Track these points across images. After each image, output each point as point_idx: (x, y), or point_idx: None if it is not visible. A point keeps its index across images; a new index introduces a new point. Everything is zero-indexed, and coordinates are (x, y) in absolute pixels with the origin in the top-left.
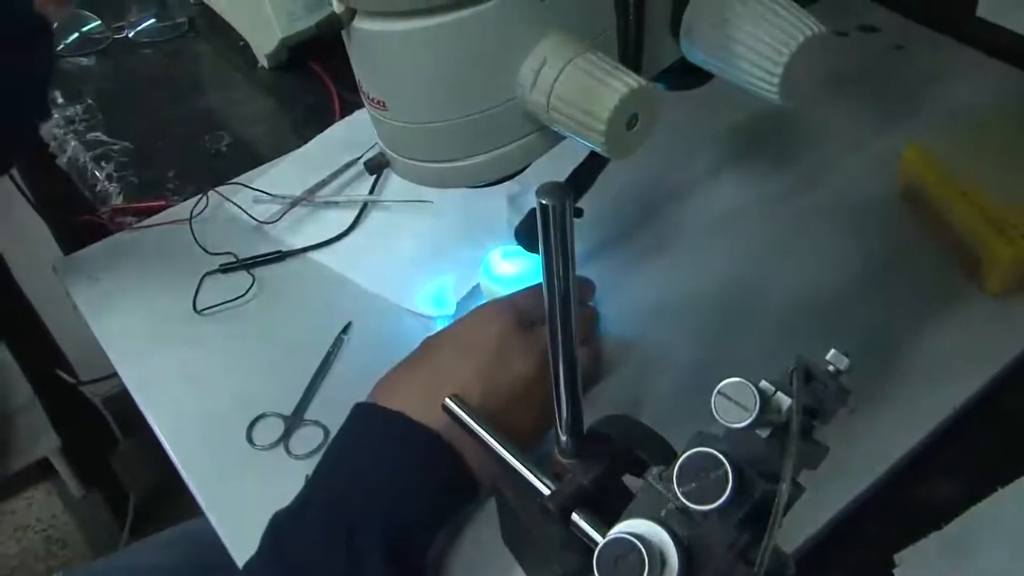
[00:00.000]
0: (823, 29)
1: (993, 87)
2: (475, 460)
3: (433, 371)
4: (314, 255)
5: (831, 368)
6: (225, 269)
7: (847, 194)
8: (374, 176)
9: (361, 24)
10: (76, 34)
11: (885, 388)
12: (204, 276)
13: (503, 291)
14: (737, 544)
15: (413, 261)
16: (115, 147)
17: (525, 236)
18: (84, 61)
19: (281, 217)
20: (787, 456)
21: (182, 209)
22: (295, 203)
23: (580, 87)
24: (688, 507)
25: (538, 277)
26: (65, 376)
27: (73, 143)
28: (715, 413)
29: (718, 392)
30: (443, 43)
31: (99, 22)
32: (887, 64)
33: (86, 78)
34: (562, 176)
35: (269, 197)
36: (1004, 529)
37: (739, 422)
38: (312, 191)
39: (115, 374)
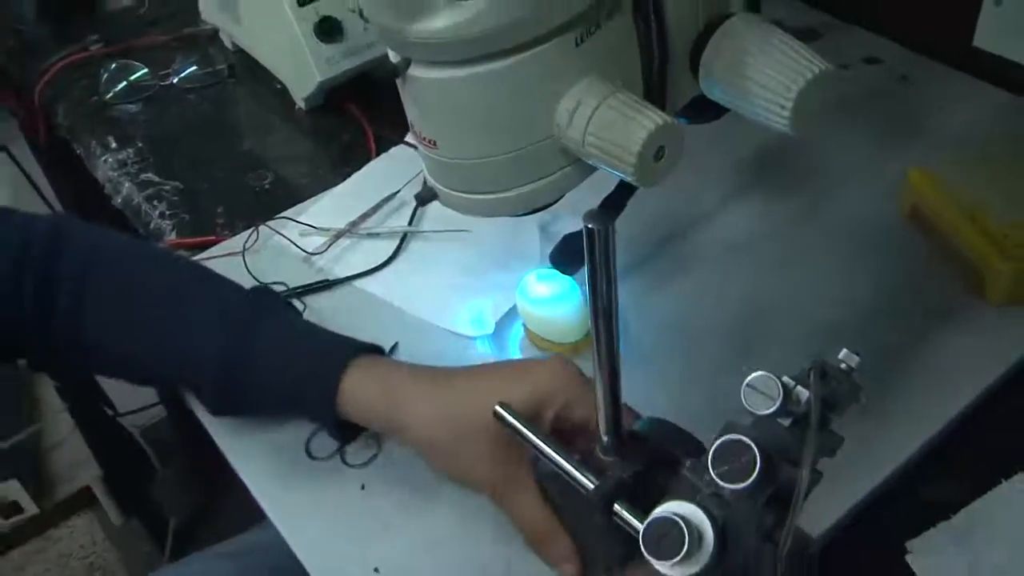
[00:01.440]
0: (829, 66)
1: (991, 113)
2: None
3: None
4: (359, 283)
5: (844, 366)
6: None
7: (855, 216)
8: (413, 208)
9: (415, 72)
10: (124, 83)
11: (897, 392)
12: None
13: (538, 311)
14: (764, 523)
15: (452, 286)
16: (166, 187)
17: (560, 260)
18: (132, 108)
19: (327, 248)
20: (808, 442)
21: (234, 243)
22: (340, 235)
23: (612, 124)
24: (721, 488)
25: (570, 298)
26: (105, 409)
27: (127, 184)
28: (744, 402)
29: (746, 384)
30: (489, 88)
31: (146, 70)
32: (891, 93)
33: (135, 123)
34: (588, 206)
35: (315, 230)
36: (1007, 517)
37: (765, 410)
38: (355, 223)
39: (151, 405)
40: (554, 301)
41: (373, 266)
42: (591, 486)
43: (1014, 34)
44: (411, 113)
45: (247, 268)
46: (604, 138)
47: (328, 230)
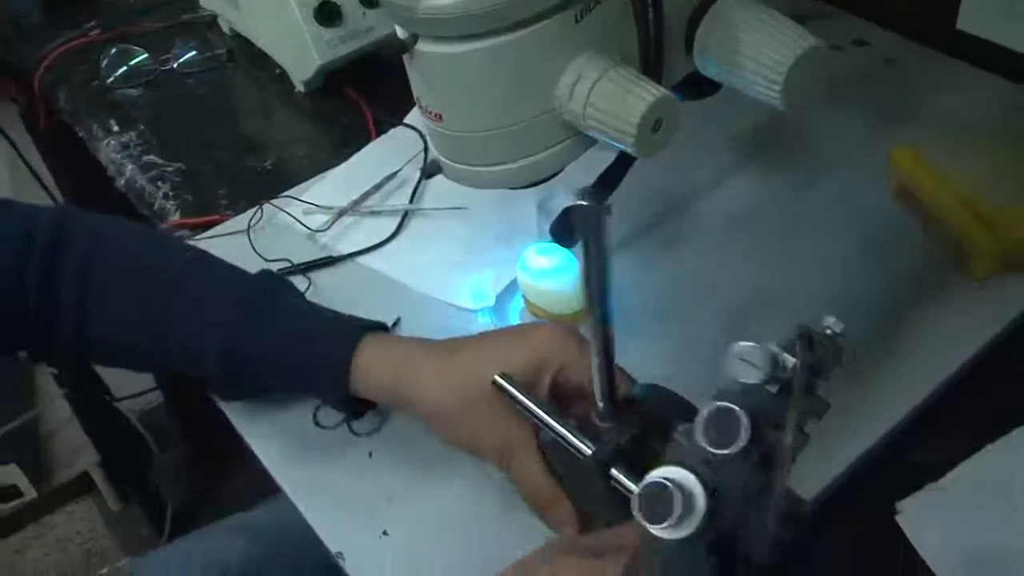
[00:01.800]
0: (819, 42)
1: (975, 94)
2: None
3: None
4: (362, 259)
5: (829, 331)
6: (282, 273)
7: (845, 193)
8: (414, 187)
9: (422, 47)
10: (125, 67)
11: (885, 362)
12: None
13: (538, 283)
14: (753, 486)
15: (453, 261)
16: (169, 168)
17: (559, 233)
18: (133, 92)
19: (330, 226)
20: (793, 405)
21: (238, 221)
22: (342, 213)
23: (612, 97)
24: (711, 454)
25: (569, 270)
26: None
27: (130, 166)
28: (732, 372)
29: (733, 355)
30: (492, 62)
31: (146, 55)
32: (879, 75)
33: (137, 107)
34: (584, 182)
35: (318, 208)
36: (992, 478)
37: (752, 379)
38: (357, 202)
39: (148, 390)
40: (553, 273)
41: (375, 243)
42: (588, 452)
43: (995, 18)
44: (418, 88)
45: (252, 246)
46: (604, 110)
47: (331, 208)
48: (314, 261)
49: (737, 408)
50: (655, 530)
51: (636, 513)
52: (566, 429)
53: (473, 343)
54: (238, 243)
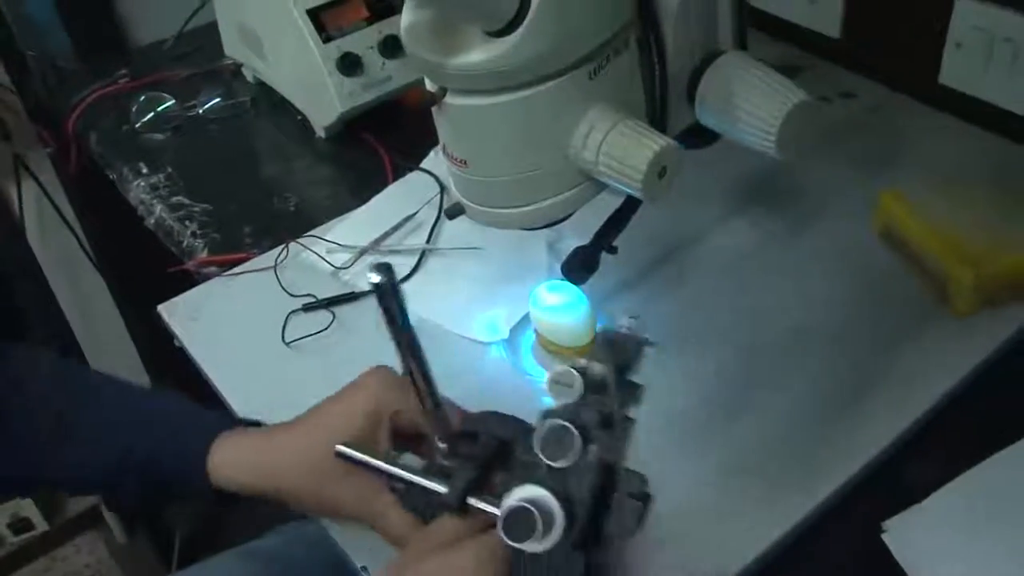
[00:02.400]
0: (808, 97)
1: (957, 143)
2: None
3: None
4: None
5: (626, 329)
6: (307, 308)
7: (834, 234)
8: (431, 227)
9: (451, 99)
10: (153, 113)
11: (869, 393)
12: (289, 314)
13: (549, 318)
14: (598, 482)
15: (468, 297)
16: (196, 208)
17: (570, 271)
18: (160, 136)
19: (352, 264)
20: (610, 393)
21: (265, 259)
22: (364, 252)
23: (622, 146)
24: (552, 465)
25: (578, 306)
26: None
27: (159, 207)
28: (552, 396)
29: (550, 380)
30: (515, 114)
31: (173, 101)
32: (865, 125)
33: (164, 151)
34: (591, 225)
35: (340, 247)
36: (975, 499)
37: (570, 398)
38: (377, 241)
39: None
40: (563, 309)
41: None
42: (444, 491)
43: (974, 75)
44: (444, 135)
45: (279, 281)
46: (615, 158)
47: (353, 247)
48: (337, 296)
49: (566, 423)
50: (528, 548)
51: (505, 539)
52: (416, 476)
53: (312, 418)
54: (265, 279)
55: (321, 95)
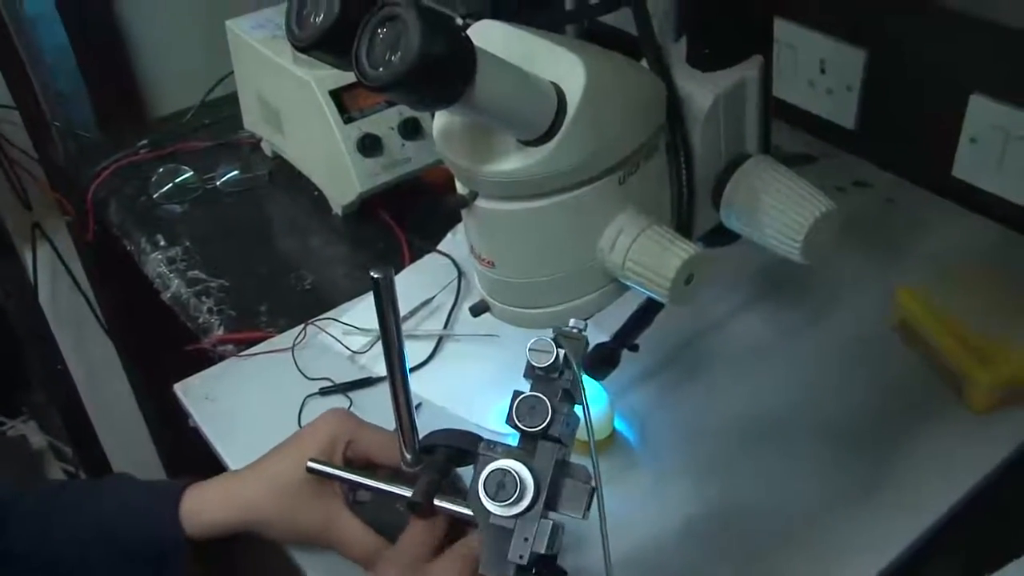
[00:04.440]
0: (833, 206)
1: (969, 235)
2: None
3: None
4: None
5: (576, 331)
6: (324, 392)
7: (850, 327)
8: (447, 313)
9: (481, 203)
10: (171, 184)
11: (887, 490)
12: (306, 398)
13: None
14: (561, 453)
15: (484, 385)
16: (212, 284)
17: (590, 366)
18: (178, 208)
19: (370, 348)
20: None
21: (282, 340)
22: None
23: (650, 253)
24: (527, 431)
25: (597, 401)
26: None
27: (176, 280)
28: (532, 360)
29: (530, 348)
30: (545, 219)
31: (191, 173)
32: (880, 215)
33: (182, 223)
34: (610, 320)
35: (357, 330)
36: None
37: (545, 362)
38: None
39: None
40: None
41: (412, 366)
42: (409, 494)
43: (985, 169)
44: (472, 236)
45: (296, 364)
46: (642, 263)
47: (370, 331)
48: (354, 381)
49: (540, 395)
50: (499, 509)
51: (483, 498)
52: (383, 483)
53: (275, 452)
54: (281, 360)
55: (341, 174)
